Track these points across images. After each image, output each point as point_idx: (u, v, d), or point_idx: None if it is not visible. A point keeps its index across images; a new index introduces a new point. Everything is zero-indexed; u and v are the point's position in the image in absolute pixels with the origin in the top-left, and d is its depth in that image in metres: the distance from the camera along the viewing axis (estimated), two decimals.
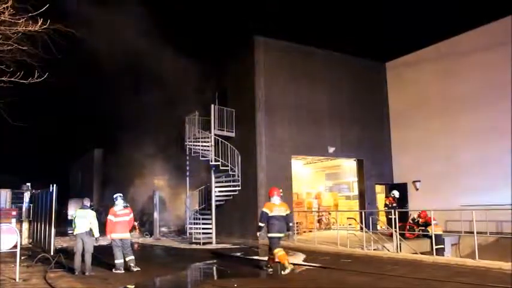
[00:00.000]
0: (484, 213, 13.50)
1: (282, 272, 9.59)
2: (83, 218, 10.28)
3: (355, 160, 20.17)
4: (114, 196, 10.95)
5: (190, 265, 12.17)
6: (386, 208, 16.59)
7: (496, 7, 16.93)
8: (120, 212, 10.65)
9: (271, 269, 10.15)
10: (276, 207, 10.03)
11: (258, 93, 17.34)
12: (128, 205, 11.04)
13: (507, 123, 16.10)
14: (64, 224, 23.72)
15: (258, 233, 10.61)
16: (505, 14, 16.66)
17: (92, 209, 10.77)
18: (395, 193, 16.91)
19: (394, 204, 16.37)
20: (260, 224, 10.21)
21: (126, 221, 10.70)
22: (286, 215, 10.13)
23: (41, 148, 42.05)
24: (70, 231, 18.32)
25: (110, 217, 10.55)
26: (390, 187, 20.35)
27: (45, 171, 40.61)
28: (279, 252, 9.78)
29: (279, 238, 10.03)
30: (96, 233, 10.38)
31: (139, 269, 10.38)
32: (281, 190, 10.77)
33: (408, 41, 21.24)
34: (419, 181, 19.37)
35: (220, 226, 16.81)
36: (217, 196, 17.06)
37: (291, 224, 10.57)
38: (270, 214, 9.93)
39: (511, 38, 16.21)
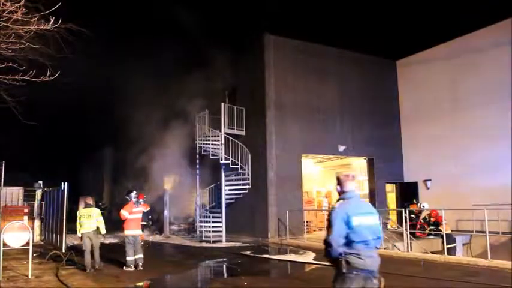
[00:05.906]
0: (496, 213, 13.36)
1: None
2: (88, 217, 10.35)
3: (365, 159, 20.05)
4: (130, 194, 10.90)
5: (201, 263, 12.19)
6: (414, 216, 15.96)
7: (509, 5, 16.70)
8: (136, 209, 10.69)
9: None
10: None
11: (268, 91, 17.30)
12: (144, 200, 11.07)
13: None
14: (75, 222, 23.86)
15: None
16: None
17: (100, 207, 10.83)
18: (425, 205, 16.59)
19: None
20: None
21: (140, 218, 10.78)
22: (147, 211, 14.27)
23: (53, 146, 42.30)
24: None
25: (124, 213, 10.49)
26: (402, 187, 20.26)
27: (57, 169, 40.88)
28: None
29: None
30: (103, 230, 10.46)
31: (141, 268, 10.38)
32: (145, 197, 13.89)
33: (419, 38, 21.07)
34: (430, 180, 19.22)
35: (230, 224, 16.80)
36: (227, 194, 17.09)
37: (150, 217, 16.07)
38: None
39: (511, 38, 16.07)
